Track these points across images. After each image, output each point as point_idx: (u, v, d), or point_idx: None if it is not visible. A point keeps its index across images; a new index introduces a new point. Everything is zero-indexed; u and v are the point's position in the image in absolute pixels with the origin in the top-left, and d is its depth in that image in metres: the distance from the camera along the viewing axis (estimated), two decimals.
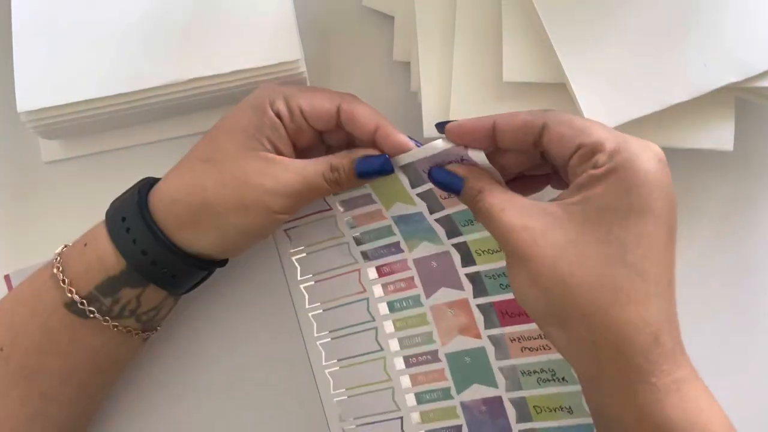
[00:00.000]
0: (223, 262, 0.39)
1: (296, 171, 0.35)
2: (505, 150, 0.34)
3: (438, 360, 0.40)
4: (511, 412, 0.39)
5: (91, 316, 0.35)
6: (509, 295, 0.37)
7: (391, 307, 0.41)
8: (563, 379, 0.37)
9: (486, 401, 0.39)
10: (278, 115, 0.35)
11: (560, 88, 0.39)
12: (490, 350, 0.39)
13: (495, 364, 0.39)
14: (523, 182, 0.36)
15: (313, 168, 0.35)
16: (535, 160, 0.34)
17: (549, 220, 0.30)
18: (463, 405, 0.40)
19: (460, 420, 0.40)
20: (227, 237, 0.35)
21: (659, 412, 0.27)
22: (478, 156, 0.33)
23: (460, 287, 0.39)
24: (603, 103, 0.37)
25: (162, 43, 0.40)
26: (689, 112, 0.39)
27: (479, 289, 0.38)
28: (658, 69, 0.38)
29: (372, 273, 0.41)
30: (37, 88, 0.39)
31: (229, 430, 0.42)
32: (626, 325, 0.28)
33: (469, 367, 0.39)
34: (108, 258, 0.35)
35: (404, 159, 0.35)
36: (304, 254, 0.42)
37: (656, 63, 0.38)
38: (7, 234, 0.43)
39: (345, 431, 0.41)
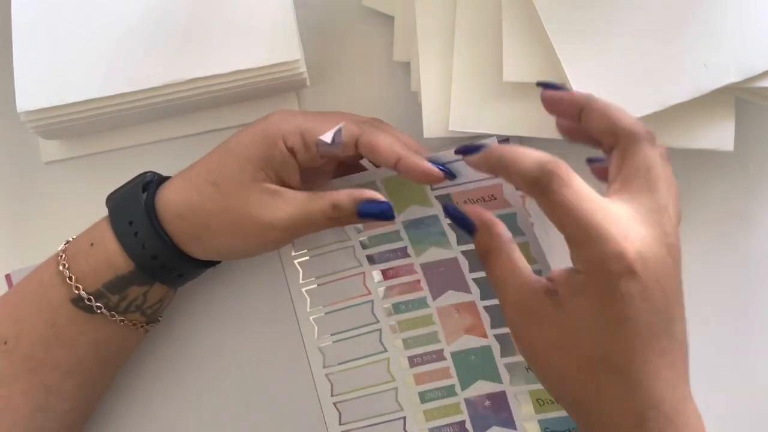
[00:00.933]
0: None
1: (297, 206, 0.35)
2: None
3: (443, 358, 0.40)
4: (515, 406, 0.39)
5: (98, 311, 0.35)
6: None
7: (397, 308, 0.41)
8: None
9: (490, 396, 0.39)
10: (292, 150, 0.35)
11: None
12: (496, 348, 0.39)
13: (500, 361, 0.39)
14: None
15: (315, 205, 0.35)
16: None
17: (538, 315, 0.30)
18: (467, 401, 0.40)
19: (464, 415, 0.40)
20: (229, 254, 0.38)
21: None
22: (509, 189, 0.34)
23: (467, 290, 0.39)
24: None
25: (162, 43, 0.40)
26: (689, 112, 0.39)
27: (486, 293, 0.39)
28: (658, 69, 0.38)
29: (377, 276, 0.41)
30: (36, 88, 0.39)
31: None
32: (610, 414, 0.28)
33: (474, 365, 0.40)
34: (116, 258, 0.35)
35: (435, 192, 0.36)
36: (307, 257, 0.42)
37: (656, 63, 0.38)
38: (7, 234, 0.43)
39: None
